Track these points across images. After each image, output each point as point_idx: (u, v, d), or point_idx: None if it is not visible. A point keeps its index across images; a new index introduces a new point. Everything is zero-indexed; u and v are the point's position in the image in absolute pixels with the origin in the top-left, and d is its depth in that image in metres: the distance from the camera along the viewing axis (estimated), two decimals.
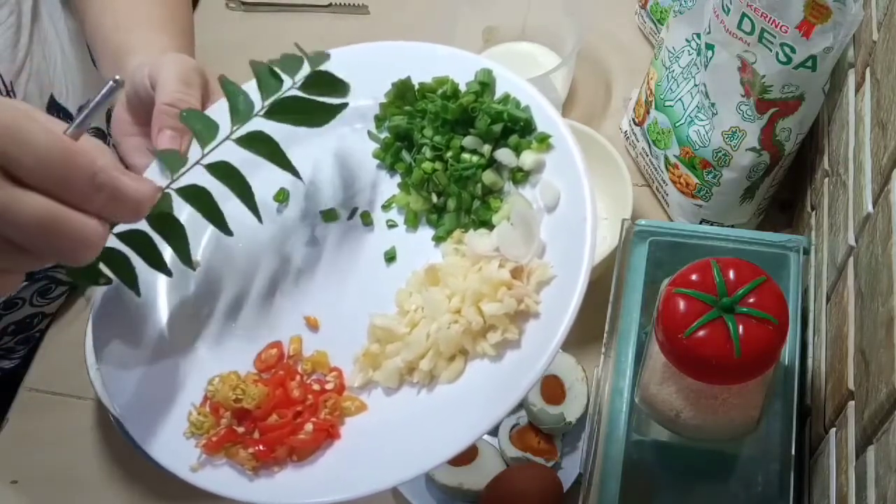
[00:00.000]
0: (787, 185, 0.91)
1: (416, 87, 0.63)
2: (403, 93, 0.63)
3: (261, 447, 0.53)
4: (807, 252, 0.80)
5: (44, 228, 0.44)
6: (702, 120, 0.86)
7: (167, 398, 0.57)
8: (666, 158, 0.92)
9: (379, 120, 0.64)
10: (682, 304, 0.64)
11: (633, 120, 0.98)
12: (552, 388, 0.83)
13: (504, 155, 0.60)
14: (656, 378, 0.71)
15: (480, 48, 1.07)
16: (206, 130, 0.58)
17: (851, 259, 0.68)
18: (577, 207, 0.56)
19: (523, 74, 0.95)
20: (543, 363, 0.51)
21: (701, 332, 0.63)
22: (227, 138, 0.57)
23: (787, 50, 0.75)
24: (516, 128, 0.60)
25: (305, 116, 0.59)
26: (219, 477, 0.54)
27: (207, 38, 1.15)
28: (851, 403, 0.63)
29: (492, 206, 0.59)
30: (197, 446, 0.55)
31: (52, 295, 0.96)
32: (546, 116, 0.59)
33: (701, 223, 0.92)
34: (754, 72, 0.79)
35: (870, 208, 0.64)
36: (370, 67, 0.64)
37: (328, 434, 0.54)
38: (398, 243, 0.60)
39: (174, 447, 0.55)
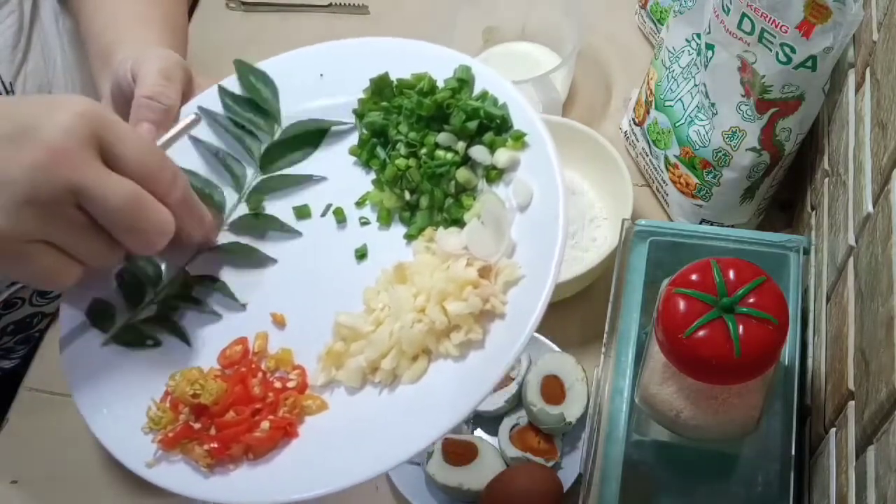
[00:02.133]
0: (787, 185, 0.91)
1: (395, 83, 0.62)
2: (381, 89, 0.62)
3: (216, 444, 0.52)
4: (807, 252, 0.80)
5: (130, 206, 0.49)
6: (702, 120, 0.86)
7: (129, 392, 0.56)
8: (666, 158, 0.92)
9: (357, 116, 0.63)
10: (682, 304, 0.64)
11: (633, 120, 0.98)
12: (552, 388, 0.84)
13: (478, 152, 0.59)
14: (656, 378, 0.71)
15: (480, 48, 1.07)
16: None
17: (851, 259, 0.68)
18: (550, 207, 0.55)
19: (523, 74, 0.95)
20: (506, 364, 0.50)
21: (701, 332, 0.63)
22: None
23: (787, 50, 0.75)
24: (492, 125, 0.59)
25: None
26: (174, 474, 0.53)
27: (207, 38, 1.15)
28: (851, 403, 0.63)
29: (464, 203, 0.58)
30: (153, 442, 0.54)
31: (52, 294, 0.96)
32: (523, 114, 0.59)
33: (701, 223, 0.92)
34: (754, 72, 0.79)
35: (870, 208, 0.64)
36: (348, 64, 0.64)
37: (286, 432, 0.53)
38: (370, 241, 0.59)
39: (132, 442, 0.54)
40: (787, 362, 0.74)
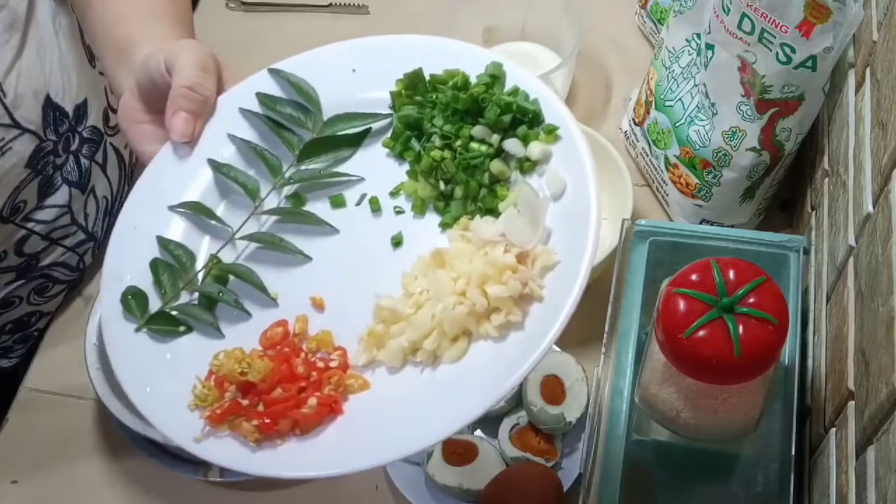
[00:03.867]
0: (787, 185, 0.91)
1: (428, 78, 0.64)
2: (415, 83, 0.64)
3: (265, 420, 0.54)
4: (807, 252, 0.80)
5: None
6: (702, 120, 0.86)
7: (172, 372, 0.58)
8: (666, 158, 0.92)
9: (391, 108, 0.65)
10: (682, 304, 0.64)
11: (633, 120, 0.98)
12: (552, 388, 0.83)
13: (512, 145, 0.61)
14: (656, 378, 0.71)
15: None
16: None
17: (851, 259, 0.68)
18: (583, 197, 0.57)
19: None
20: (546, 345, 0.52)
21: (701, 332, 0.63)
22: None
23: (787, 50, 0.75)
24: (525, 119, 0.61)
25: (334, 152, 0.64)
26: (222, 448, 0.54)
27: (207, 38, 1.14)
28: (851, 403, 0.63)
29: (498, 194, 0.60)
30: (201, 418, 0.55)
31: (50, 293, 0.96)
32: (554, 109, 0.61)
33: (701, 223, 0.92)
34: (754, 72, 0.79)
35: (870, 208, 0.64)
36: (380, 60, 0.66)
37: (331, 409, 0.55)
38: (405, 229, 0.61)
39: (178, 419, 0.56)
40: (787, 362, 0.74)
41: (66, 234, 0.93)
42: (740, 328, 0.63)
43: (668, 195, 0.95)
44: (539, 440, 0.83)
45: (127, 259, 0.61)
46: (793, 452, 0.70)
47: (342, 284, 0.60)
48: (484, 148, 0.61)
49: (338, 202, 0.64)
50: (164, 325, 0.59)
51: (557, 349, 0.87)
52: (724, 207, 0.90)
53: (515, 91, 0.62)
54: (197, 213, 0.64)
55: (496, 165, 0.60)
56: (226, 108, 0.67)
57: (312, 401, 0.54)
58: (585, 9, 0.99)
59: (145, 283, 0.61)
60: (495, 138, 0.61)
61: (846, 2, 0.71)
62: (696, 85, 0.87)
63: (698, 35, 0.86)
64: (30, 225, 0.88)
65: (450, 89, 0.62)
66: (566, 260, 0.55)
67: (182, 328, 0.60)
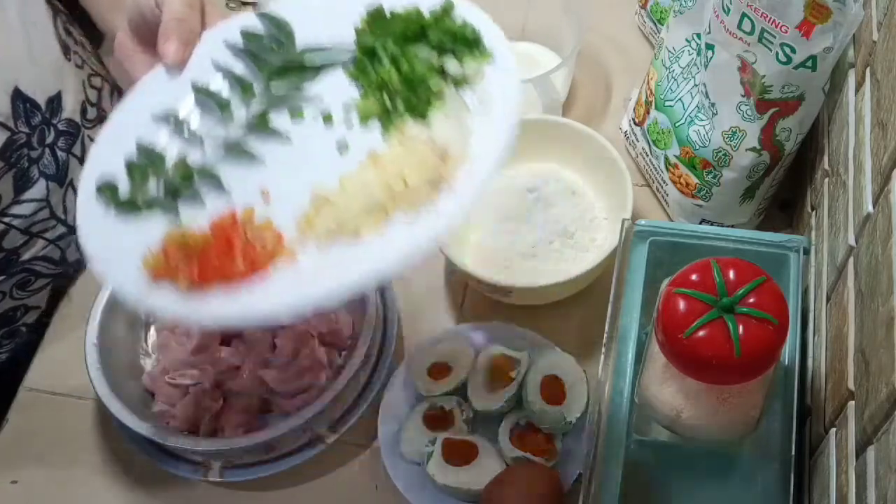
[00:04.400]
0: (787, 185, 0.91)
1: (388, 15, 0.72)
2: (376, 19, 0.73)
3: (198, 273, 0.63)
4: (807, 252, 0.81)
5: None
6: (702, 120, 0.86)
7: (130, 244, 0.66)
8: (666, 158, 0.92)
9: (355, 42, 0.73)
10: (682, 304, 0.64)
11: (633, 120, 0.98)
12: (552, 388, 0.84)
13: (451, 65, 0.69)
14: (656, 378, 0.71)
15: None
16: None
17: (851, 259, 0.68)
18: (506, 112, 0.66)
19: (523, 74, 0.95)
20: (454, 225, 0.63)
21: (701, 332, 0.63)
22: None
23: (787, 50, 0.75)
24: (464, 44, 0.69)
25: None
26: (161, 300, 0.63)
27: None
28: (851, 403, 0.63)
29: (434, 106, 0.68)
30: (148, 276, 0.64)
31: (33, 287, 0.96)
32: (493, 39, 0.69)
33: (701, 223, 0.92)
34: (754, 72, 0.79)
35: (870, 208, 0.64)
36: (355, 5, 0.74)
37: (254, 268, 0.63)
38: (351, 138, 0.69)
39: (131, 280, 0.64)
40: (787, 362, 0.74)
41: (45, 227, 0.93)
42: (740, 328, 0.63)
43: (668, 195, 0.95)
44: (539, 440, 0.83)
45: (109, 160, 0.70)
46: (793, 452, 0.70)
47: (289, 183, 0.68)
48: (426, 67, 0.69)
49: (297, 115, 0.72)
50: (130, 208, 0.68)
51: (557, 349, 0.87)
52: (724, 207, 0.90)
53: (463, 23, 0.71)
54: (172, 119, 0.72)
55: (436, 83, 0.68)
56: (211, 41, 0.75)
57: (240, 260, 0.63)
58: (585, 9, 0.99)
59: (121, 179, 0.70)
60: (437, 58, 0.69)
61: (846, 2, 0.71)
62: (696, 85, 0.87)
63: (698, 35, 0.86)
64: (7, 219, 0.88)
65: (402, 20, 0.71)
66: (480, 159, 0.64)
67: (143, 209, 0.68)
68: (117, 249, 0.67)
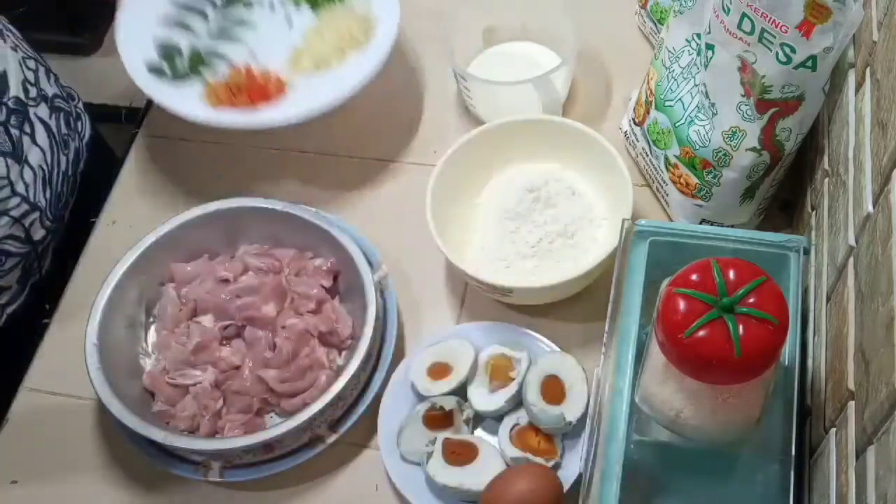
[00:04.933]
0: (787, 185, 0.91)
1: None
2: None
3: (249, 97, 1.01)
4: (807, 252, 0.80)
5: None
6: (702, 120, 0.86)
7: (181, 90, 1.02)
8: (666, 158, 0.92)
9: None
10: (682, 304, 0.64)
11: (633, 120, 0.98)
12: (552, 388, 0.84)
13: None
14: (656, 378, 0.71)
15: (480, 48, 1.07)
16: None
17: (851, 259, 0.68)
18: None
19: (523, 74, 0.95)
20: (384, 53, 1.00)
21: (701, 332, 0.63)
22: None
23: (787, 50, 0.75)
24: None
25: None
26: (225, 116, 0.99)
27: None
28: (851, 403, 0.63)
29: None
30: (210, 106, 1.01)
31: (5, 268, 0.97)
32: None
33: (701, 223, 0.92)
34: (754, 72, 0.79)
35: (870, 208, 0.64)
36: None
37: (280, 90, 1.02)
38: (292, 16, 1.07)
39: (194, 108, 1.00)
40: (787, 362, 0.74)
41: (7, 207, 0.94)
42: (740, 328, 0.63)
43: (668, 195, 0.95)
44: (539, 440, 0.83)
45: (137, 52, 1.03)
46: (793, 452, 0.70)
47: (264, 46, 1.05)
48: None
49: (249, 7, 1.09)
50: (177, 77, 1.02)
51: (557, 349, 0.87)
52: (724, 207, 0.90)
53: None
54: (175, 23, 1.06)
55: None
56: None
57: (272, 87, 1.01)
58: (585, 9, 0.99)
59: (157, 62, 1.04)
60: None
61: (846, 2, 0.71)
62: (696, 85, 0.87)
63: (698, 35, 0.86)
64: None
65: None
66: (386, 15, 1.03)
67: (186, 77, 1.03)
68: (179, 98, 1.00)
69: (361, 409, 0.86)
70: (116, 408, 0.83)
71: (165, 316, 0.93)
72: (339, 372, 0.85)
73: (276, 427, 0.82)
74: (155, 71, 1.02)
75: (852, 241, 0.68)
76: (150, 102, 1.13)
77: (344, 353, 0.91)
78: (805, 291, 0.81)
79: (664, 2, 1.03)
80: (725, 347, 0.62)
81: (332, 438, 0.86)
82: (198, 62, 1.04)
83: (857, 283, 0.66)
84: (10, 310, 0.99)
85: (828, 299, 0.75)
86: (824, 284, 0.76)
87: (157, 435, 0.83)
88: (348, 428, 0.86)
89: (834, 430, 0.67)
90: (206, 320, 0.91)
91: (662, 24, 1.01)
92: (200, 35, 1.06)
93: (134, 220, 1.04)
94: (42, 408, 0.94)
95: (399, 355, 0.90)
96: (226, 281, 0.93)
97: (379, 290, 0.90)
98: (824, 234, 0.78)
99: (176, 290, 0.93)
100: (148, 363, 0.92)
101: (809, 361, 0.77)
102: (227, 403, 0.87)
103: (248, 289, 0.91)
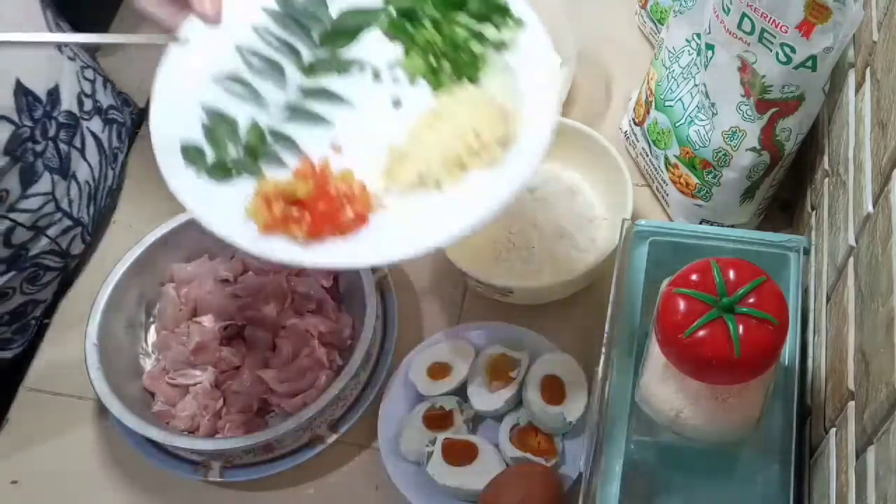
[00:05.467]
0: (787, 185, 0.91)
1: None
2: None
3: (313, 225, 0.68)
4: (807, 252, 0.80)
5: None
6: (702, 120, 0.86)
7: (223, 194, 0.70)
8: (666, 158, 0.92)
9: (385, 1, 0.77)
10: (682, 304, 0.64)
11: (633, 120, 0.98)
12: (552, 388, 0.84)
13: (489, 31, 0.74)
14: (656, 378, 0.71)
15: None
16: None
17: (851, 259, 0.68)
18: (546, 70, 0.72)
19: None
20: (525, 176, 0.68)
21: (701, 332, 0.63)
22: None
23: (787, 50, 0.75)
24: (498, 11, 0.75)
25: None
26: (277, 247, 0.67)
27: None
28: (851, 403, 0.63)
29: (479, 67, 0.74)
30: (258, 227, 0.68)
31: (42, 282, 0.96)
32: (522, 9, 0.74)
33: (701, 223, 0.92)
34: (754, 72, 0.79)
35: (870, 208, 0.64)
36: None
37: (362, 219, 0.69)
38: (402, 93, 0.75)
39: (234, 227, 0.68)
40: (787, 362, 0.74)
41: (51, 221, 0.93)
42: (740, 328, 0.63)
43: (668, 195, 0.95)
44: (539, 440, 0.83)
45: (174, 123, 0.72)
46: (793, 452, 0.70)
47: (355, 136, 0.74)
48: (466, 32, 0.74)
49: (346, 74, 0.76)
50: (221, 170, 0.71)
51: (557, 349, 0.87)
52: (724, 207, 0.90)
53: None
54: (237, 85, 0.74)
55: (476, 46, 0.74)
56: (245, 5, 0.76)
57: (349, 211, 0.69)
58: (585, 9, 0.99)
59: (198, 142, 0.72)
60: (475, 25, 0.75)
61: (846, 2, 0.71)
62: (696, 85, 0.87)
63: (698, 35, 0.86)
64: (13, 215, 0.89)
65: None
66: (537, 115, 0.70)
67: (235, 172, 0.72)
68: (218, 205, 0.70)
69: (361, 409, 0.86)
70: (116, 408, 0.83)
71: (165, 316, 0.93)
72: (338, 372, 0.85)
73: (276, 427, 0.82)
74: (192, 155, 0.72)
75: (852, 241, 0.68)
76: (150, 102, 1.12)
77: (344, 353, 0.91)
78: (805, 291, 0.81)
79: (664, 2, 1.03)
80: (725, 347, 0.62)
81: (332, 438, 0.86)
82: (257, 147, 0.73)
83: (857, 283, 0.66)
84: (45, 321, 0.99)
85: (828, 299, 0.75)
86: (824, 284, 0.76)
87: (157, 435, 0.83)
88: (348, 428, 0.86)
89: (834, 430, 0.67)
90: (206, 320, 0.91)
91: (662, 24, 1.01)
92: (269, 105, 0.74)
93: (134, 220, 1.04)
94: (42, 408, 0.94)
95: (399, 355, 0.90)
96: (226, 281, 0.93)
97: (379, 291, 0.90)
98: (824, 234, 0.78)
99: (176, 290, 0.93)
100: (148, 363, 0.92)
101: (809, 361, 0.77)
102: (227, 403, 0.87)
103: (248, 289, 0.92)
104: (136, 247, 0.92)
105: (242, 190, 0.70)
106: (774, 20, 0.75)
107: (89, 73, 1.00)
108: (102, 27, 1.90)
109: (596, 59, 1.09)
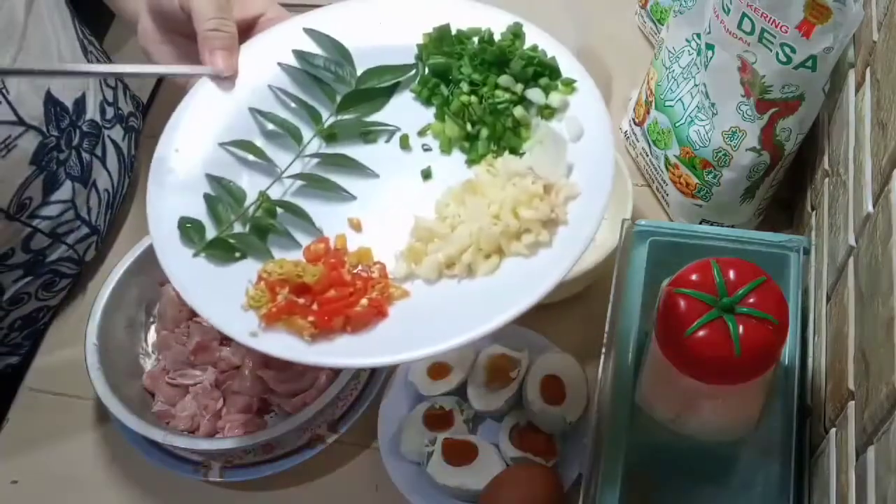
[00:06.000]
0: (787, 185, 0.91)
1: (455, 32, 0.71)
2: (443, 36, 0.71)
3: (320, 317, 0.60)
4: (807, 252, 0.80)
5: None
6: (702, 120, 0.86)
7: (222, 277, 0.63)
8: (666, 158, 0.92)
9: (418, 59, 0.71)
10: (682, 304, 0.64)
11: (633, 120, 0.98)
12: (552, 388, 0.83)
13: (534, 94, 0.68)
14: (656, 378, 0.71)
15: None
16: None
17: (851, 259, 0.68)
18: (601, 140, 0.64)
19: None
20: (570, 263, 0.59)
21: (701, 332, 0.63)
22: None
23: (787, 50, 0.75)
24: (545, 72, 0.68)
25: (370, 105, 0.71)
26: (278, 342, 0.59)
27: None
28: (851, 403, 0.63)
29: (521, 136, 0.67)
30: (258, 317, 0.60)
31: (57, 288, 0.97)
32: (571, 65, 0.68)
33: (701, 223, 0.92)
34: (754, 72, 0.79)
35: (870, 208, 0.64)
36: (403, 14, 0.72)
37: (378, 311, 0.60)
38: (433, 164, 0.68)
39: (233, 316, 0.61)
40: (787, 362, 0.74)
41: (70, 229, 0.94)
42: (740, 328, 0.63)
43: (668, 195, 0.95)
44: (539, 440, 0.83)
45: (173, 194, 0.66)
46: (793, 452, 0.70)
47: (377, 211, 0.66)
48: (508, 95, 0.68)
49: (369, 139, 0.70)
50: (222, 250, 0.64)
51: (557, 349, 0.87)
52: (724, 207, 0.90)
53: (534, 47, 0.69)
54: (246, 151, 0.68)
55: (519, 111, 0.67)
56: (261, 59, 0.71)
57: (364, 301, 0.60)
58: (585, 9, 0.99)
59: (198, 214, 0.65)
60: (519, 87, 0.68)
61: (846, 2, 0.71)
62: (696, 85, 0.87)
63: (698, 35, 0.86)
64: (35, 222, 0.89)
65: (477, 42, 0.70)
66: (587, 191, 0.62)
67: (237, 254, 0.64)
68: (215, 288, 0.62)
69: (361, 409, 0.86)
70: (116, 408, 0.83)
71: (165, 316, 0.93)
72: (338, 372, 0.85)
73: (276, 427, 0.82)
74: (190, 233, 0.64)
75: (852, 241, 0.68)
76: (150, 102, 1.12)
77: None
78: (805, 291, 0.81)
79: (664, 2, 1.03)
80: (725, 347, 0.62)
81: (332, 438, 0.86)
82: (266, 220, 0.65)
83: (857, 283, 0.66)
84: (47, 319, 0.99)
85: (828, 299, 0.75)
86: (824, 284, 0.76)
87: (157, 435, 0.83)
88: (348, 428, 0.86)
89: (834, 430, 0.67)
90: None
91: (662, 24, 1.01)
92: (282, 175, 0.68)
93: (143, 222, 1.03)
94: (42, 408, 0.94)
95: None
96: None
97: None
98: (824, 234, 0.78)
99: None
100: (148, 363, 0.92)
101: (809, 361, 0.77)
102: (227, 403, 0.87)
103: None
104: (136, 247, 0.92)
105: (245, 271, 0.63)
106: (774, 20, 0.75)
107: (111, 81, 1.00)
108: (106, 19, 1.90)
109: (596, 58, 1.09)
